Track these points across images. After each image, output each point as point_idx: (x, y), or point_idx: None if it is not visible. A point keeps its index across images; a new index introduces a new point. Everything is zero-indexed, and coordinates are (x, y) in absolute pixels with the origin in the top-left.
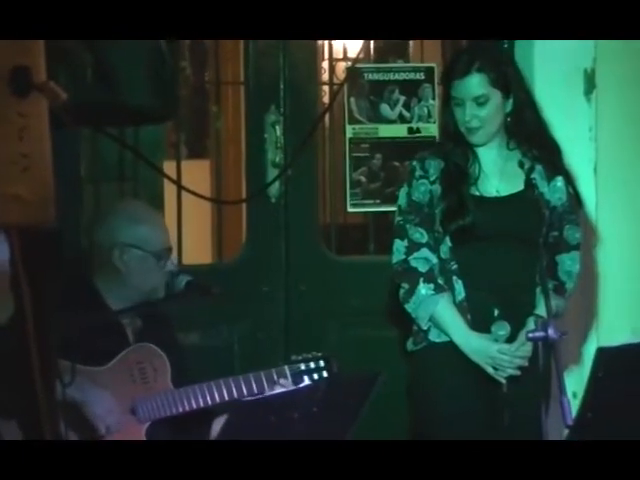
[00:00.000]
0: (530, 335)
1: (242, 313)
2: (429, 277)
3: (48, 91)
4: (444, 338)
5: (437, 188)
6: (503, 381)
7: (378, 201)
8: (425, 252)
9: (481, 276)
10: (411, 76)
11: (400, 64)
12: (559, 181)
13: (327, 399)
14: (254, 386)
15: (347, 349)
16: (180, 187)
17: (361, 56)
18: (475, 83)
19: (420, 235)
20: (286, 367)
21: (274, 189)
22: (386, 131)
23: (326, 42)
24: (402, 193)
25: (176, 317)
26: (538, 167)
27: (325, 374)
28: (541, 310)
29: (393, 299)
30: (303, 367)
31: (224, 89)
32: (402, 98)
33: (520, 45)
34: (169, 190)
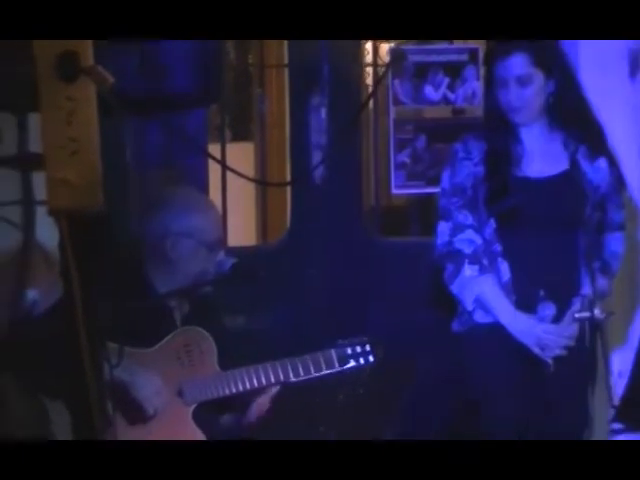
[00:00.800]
0: (576, 315)
1: (287, 296)
2: (474, 258)
3: (95, 75)
4: (490, 319)
5: (480, 169)
6: (549, 361)
7: (422, 182)
8: (470, 233)
9: (526, 257)
10: (455, 57)
11: (444, 45)
12: (602, 162)
13: (372, 381)
14: (300, 369)
15: (392, 331)
16: (225, 167)
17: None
18: (518, 63)
19: (464, 217)
20: (332, 350)
21: (318, 172)
22: (430, 112)
23: None
24: (445, 175)
25: (222, 300)
26: (581, 148)
27: (371, 358)
28: (587, 290)
29: (438, 280)
30: (349, 351)
31: (268, 72)
32: (446, 79)
33: None
34: (213, 174)
